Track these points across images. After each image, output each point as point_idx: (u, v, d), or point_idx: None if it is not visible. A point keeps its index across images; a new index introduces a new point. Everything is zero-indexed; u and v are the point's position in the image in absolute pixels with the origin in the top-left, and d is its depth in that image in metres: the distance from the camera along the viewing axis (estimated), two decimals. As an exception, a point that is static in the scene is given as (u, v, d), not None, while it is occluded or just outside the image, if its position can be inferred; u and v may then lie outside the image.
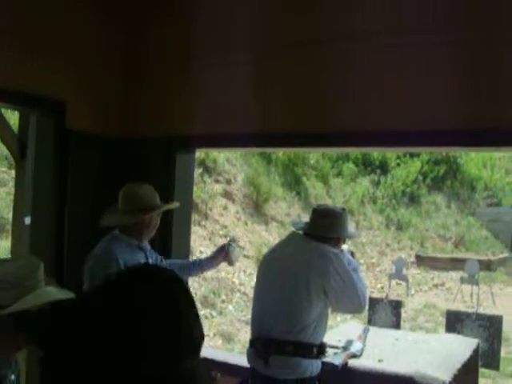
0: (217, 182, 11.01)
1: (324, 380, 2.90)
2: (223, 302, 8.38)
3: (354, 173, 14.88)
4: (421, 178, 16.00)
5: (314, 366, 2.78)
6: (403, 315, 6.51)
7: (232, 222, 10.51)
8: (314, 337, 2.78)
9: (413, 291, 10.86)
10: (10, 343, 1.62)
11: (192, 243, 5.67)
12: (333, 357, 3.19)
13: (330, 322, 3.10)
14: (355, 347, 3.43)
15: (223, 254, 3.10)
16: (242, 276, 9.20)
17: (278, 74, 2.95)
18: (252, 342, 2.92)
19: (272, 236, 10.85)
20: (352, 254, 3.17)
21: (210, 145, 3.45)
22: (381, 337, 3.95)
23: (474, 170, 17.69)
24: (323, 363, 2.89)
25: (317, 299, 2.75)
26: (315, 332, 2.78)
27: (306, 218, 4.65)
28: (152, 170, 3.31)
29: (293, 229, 3.16)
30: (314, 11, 2.83)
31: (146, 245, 2.88)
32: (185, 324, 0.88)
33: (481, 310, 6.68)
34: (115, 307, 0.86)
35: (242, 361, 3.11)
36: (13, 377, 1.76)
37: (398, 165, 15.91)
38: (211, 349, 5.69)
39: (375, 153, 14.35)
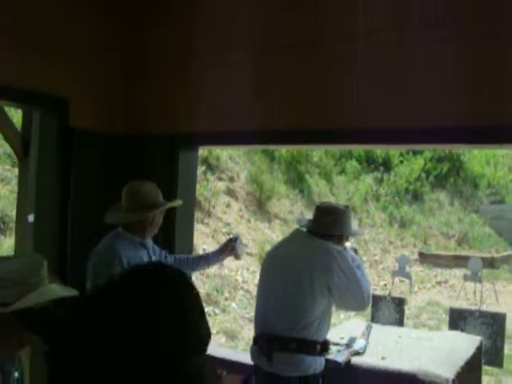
0: (220, 179, 11.00)
1: (327, 377, 2.90)
2: (226, 299, 8.38)
3: (357, 170, 14.84)
4: (424, 175, 15.93)
5: (317, 363, 2.78)
6: (406, 312, 6.48)
7: (235, 219, 10.51)
8: (318, 334, 2.78)
9: (416, 288, 10.84)
10: (13, 341, 1.62)
11: (195, 241, 5.66)
12: (336, 354, 3.19)
13: (333, 320, 3.10)
14: (358, 344, 3.43)
15: (229, 247, 3.11)
16: (246, 273, 9.20)
17: (279, 72, 2.95)
18: (255, 340, 2.93)
19: (275, 233, 10.83)
20: (355, 251, 3.17)
21: (212, 142, 3.45)
22: (384, 334, 3.95)
23: (477, 168, 17.61)
24: (326, 360, 2.89)
25: (320, 296, 2.75)
26: (319, 329, 2.78)
27: (309, 215, 4.65)
28: (155, 168, 3.31)
29: (297, 226, 3.16)
30: (314, 11, 2.83)
31: (149, 242, 2.88)
32: (191, 321, 0.88)
33: (484, 308, 6.65)
34: (120, 305, 0.85)
35: (246, 358, 3.12)
36: (16, 374, 1.77)
37: (401, 162, 15.85)
38: (214, 346, 5.69)
39: (378, 150, 14.31)
